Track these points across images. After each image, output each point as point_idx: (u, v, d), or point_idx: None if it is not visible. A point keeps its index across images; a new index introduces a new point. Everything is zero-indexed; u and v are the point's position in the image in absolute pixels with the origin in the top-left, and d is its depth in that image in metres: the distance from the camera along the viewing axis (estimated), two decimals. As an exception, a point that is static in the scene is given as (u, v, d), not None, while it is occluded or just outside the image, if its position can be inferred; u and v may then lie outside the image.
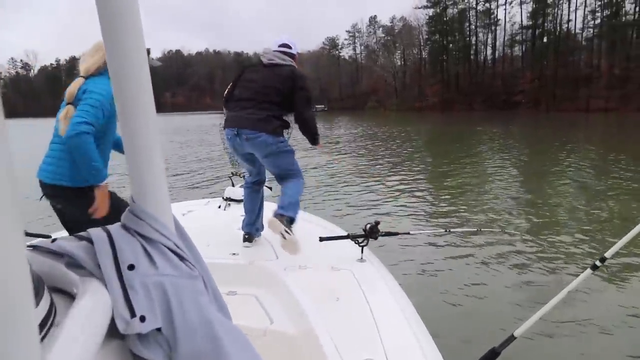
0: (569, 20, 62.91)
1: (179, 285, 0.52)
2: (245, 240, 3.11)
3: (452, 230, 5.38)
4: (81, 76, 2.40)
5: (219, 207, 4.13)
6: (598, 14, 59.54)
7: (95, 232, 0.54)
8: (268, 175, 3.28)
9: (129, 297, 0.49)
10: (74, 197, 2.40)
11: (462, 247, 5.45)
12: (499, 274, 4.70)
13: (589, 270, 1.67)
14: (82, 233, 0.54)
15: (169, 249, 0.54)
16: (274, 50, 3.22)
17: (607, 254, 1.62)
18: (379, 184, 10.00)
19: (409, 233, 3.47)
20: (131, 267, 0.51)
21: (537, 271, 4.73)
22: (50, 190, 2.43)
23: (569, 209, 7.44)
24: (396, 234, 3.18)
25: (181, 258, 0.54)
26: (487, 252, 5.25)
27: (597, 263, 1.63)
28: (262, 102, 3.09)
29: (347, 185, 9.79)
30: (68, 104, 2.33)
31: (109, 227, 0.56)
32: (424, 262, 5.04)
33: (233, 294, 2.55)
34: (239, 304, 2.47)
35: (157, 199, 0.56)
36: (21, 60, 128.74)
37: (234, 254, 2.90)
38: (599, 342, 3.39)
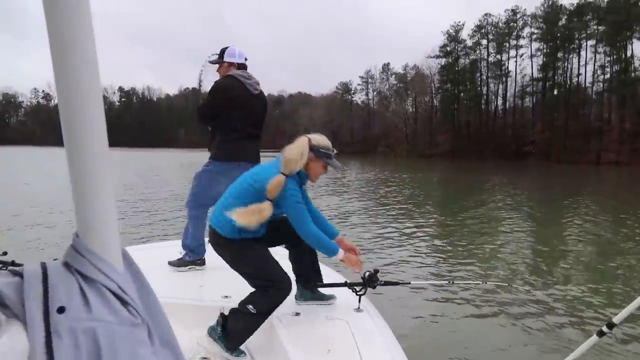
0: (579, 74, 63.99)
1: (115, 333, 0.46)
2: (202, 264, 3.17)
3: (455, 282, 5.22)
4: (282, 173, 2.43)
5: None
6: (607, 69, 60.46)
7: (30, 269, 0.49)
8: None
9: (51, 345, 0.44)
10: None
11: (465, 300, 5.27)
12: (503, 330, 4.51)
13: (594, 337, 1.55)
14: (18, 268, 0.50)
15: (110, 291, 0.49)
16: (244, 70, 3.31)
17: (616, 320, 1.50)
18: (384, 230, 9.87)
19: (409, 283, 3.35)
20: (61, 310, 0.46)
21: (542, 331, 4.51)
22: None
23: (577, 265, 7.23)
24: (396, 283, 3.06)
25: (124, 302, 0.49)
26: (491, 306, 5.07)
27: (604, 329, 1.52)
28: (260, 135, 3.10)
29: (350, 229, 9.67)
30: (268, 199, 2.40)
31: (48, 263, 0.51)
32: (425, 315, 4.87)
33: (222, 340, 2.45)
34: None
35: (104, 235, 0.51)
36: (43, 91, 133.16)
37: (227, 296, 2.80)
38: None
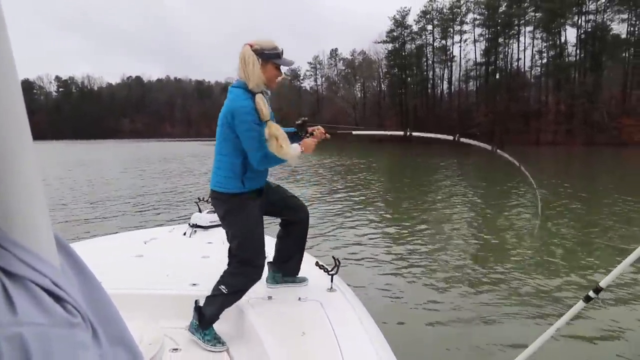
0: (518, 59, 67.01)
1: (49, 337, 0.38)
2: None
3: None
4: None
5: (184, 234, 3.92)
6: (544, 54, 63.59)
7: None
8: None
9: None
10: None
11: (438, 273, 5.39)
12: (481, 302, 4.59)
13: (581, 303, 1.54)
14: None
15: (41, 287, 0.41)
16: None
17: (602, 284, 1.49)
18: (344, 213, 9.90)
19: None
20: None
21: (525, 300, 4.57)
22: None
23: (520, 241, 7.55)
24: None
25: (58, 300, 0.41)
26: (468, 279, 5.20)
27: (591, 294, 1.51)
28: None
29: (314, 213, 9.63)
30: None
31: None
32: (396, 291, 4.91)
33: (191, 329, 2.34)
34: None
35: (30, 223, 0.43)
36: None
37: (194, 284, 2.68)
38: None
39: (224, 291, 2.31)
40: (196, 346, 2.25)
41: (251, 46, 2.30)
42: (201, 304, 2.33)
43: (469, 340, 3.76)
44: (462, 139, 2.75)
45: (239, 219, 2.37)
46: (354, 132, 2.87)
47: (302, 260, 2.74)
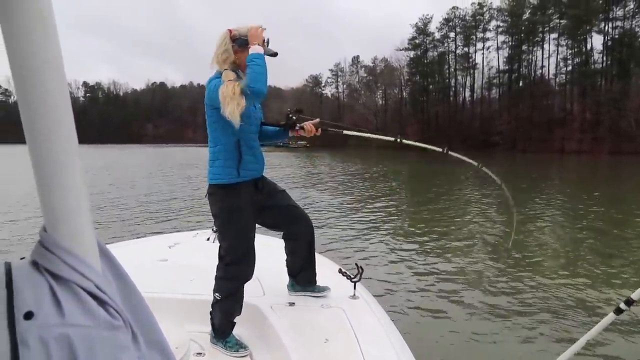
0: (542, 67, 65.98)
1: (93, 338, 0.40)
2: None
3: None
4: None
5: (208, 239, 3.95)
6: (569, 61, 62.40)
7: None
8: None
9: (18, 356, 0.37)
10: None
11: (463, 285, 5.33)
12: (507, 314, 4.50)
13: (612, 315, 1.51)
14: None
15: (86, 291, 0.43)
16: None
17: (634, 296, 1.46)
18: (370, 221, 9.87)
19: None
20: (28, 316, 0.39)
21: (555, 313, 4.46)
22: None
23: (581, 252, 7.39)
24: None
25: (102, 303, 0.43)
26: (492, 290, 5.12)
27: (622, 306, 1.48)
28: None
29: (332, 223, 9.64)
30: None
31: (13, 262, 0.44)
32: (421, 298, 4.87)
33: (215, 334, 2.36)
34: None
35: (76, 228, 0.45)
36: (0, 86, 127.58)
37: None
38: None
39: (217, 298, 2.31)
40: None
41: (230, 32, 2.31)
42: None
43: (494, 352, 3.71)
44: (450, 152, 2.74)
45: (233, 217, 2.31)
46: (344, 132, 2.80)
47: (315, 271, 2.67)
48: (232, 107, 2.13)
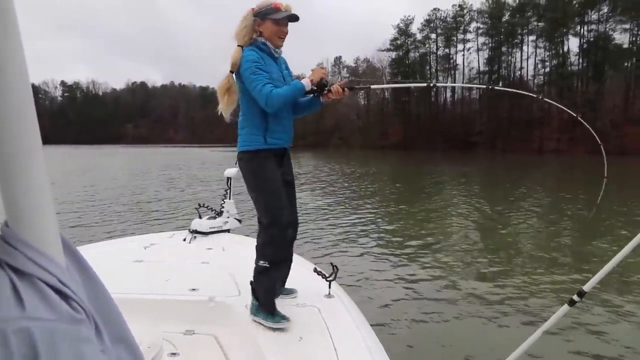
0: (521, 68, 67.19)
1: (54, 331, 0.40)
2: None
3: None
4: (239, 45, 2.42)
5: (184, 239, 3.95)
6: (547, 63, 63.76)
7: None
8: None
9: None
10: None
11: (433, 284, 5.42)
12: (471, 309, 4.64)
13: (565, 307, 1.59)
14: None
15: (48, 285, 0.42)
16: None
17: (586, 287, 1.54)
18: (342, 222, 9.93)
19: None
20: None
21: (509, 310, 4.63)
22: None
23: (527, 250, 7.56)
24: None
25: (64, 297, 0.43)
26: (458, 289, 5.23)
27: (575, 298, 1.56)
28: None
29: (314, 222, 9.68)
30: (230, 71, 2.40)
31: None
32: (395, 297, 4.95)
33: (190, 333, 2.38)
34: (196, 345, 2.31)
35: (38, 223, 0.45)
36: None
37: (194, 289, 2.71)
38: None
39: (264, 265, 2.36)
40: (195, 351, 2.28)
41: (253, 9, 2.42)
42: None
43: (463, 345, 3.82)
44: (545, 99, 3.08)
45: (264, 179, 2.40)
46: (372, 87, 2.91)
47: (288, 272, 2.67)
48: (222, 104, 2.39)
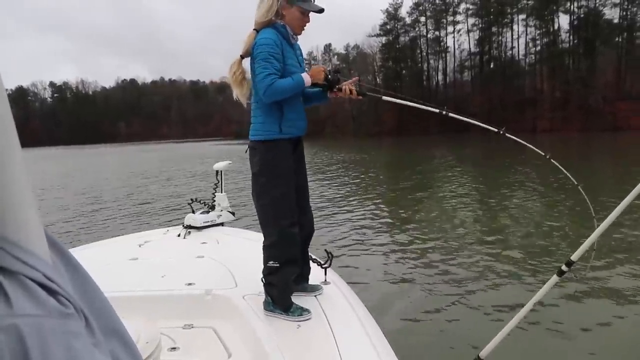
0: (512, 48, 66.90)
1: (44, 326, 0.40)
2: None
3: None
4: (254, 29, 2.34)
5: (179, 235, 3.95)
6: (538, 42, 63.56)
7: None
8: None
9: None
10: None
11: (426, 264, 5.49)
12: (464, 287, 4.71)
13: (555, 277, 1.60)
14: None
15: (34, 281, 0.42)
16: None
17: (574, 257, 1.55)
18: (339, 210, 9.96)
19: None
20: None
21: (503, 285, 4.73)
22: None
23: (519, 226, 7.62)
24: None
25: (51, 292, 0.43)
26: (451, 266, 5.30)
27: (564, 268, 1.57)
28: None
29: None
30: (241, 56, 2.35)
31: None
32: (391, 281, 4.99)
33: (189, 327, 2.39)
34: (196, 338, 2.32)
35: (21, 220, 0.44)
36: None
37: (190, 283, 2.72)
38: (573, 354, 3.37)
39: (275, 265, 2.29)
40: (194, 345, 2.29)
41: None
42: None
43: (458, 325, 3.89)
44: (507, 134, 2.64)
45: (273, 172, 2.29)
46: (383, 98, 2.73)
47: (309, 267, 2.61)
48: (236, 92, 2.33)
